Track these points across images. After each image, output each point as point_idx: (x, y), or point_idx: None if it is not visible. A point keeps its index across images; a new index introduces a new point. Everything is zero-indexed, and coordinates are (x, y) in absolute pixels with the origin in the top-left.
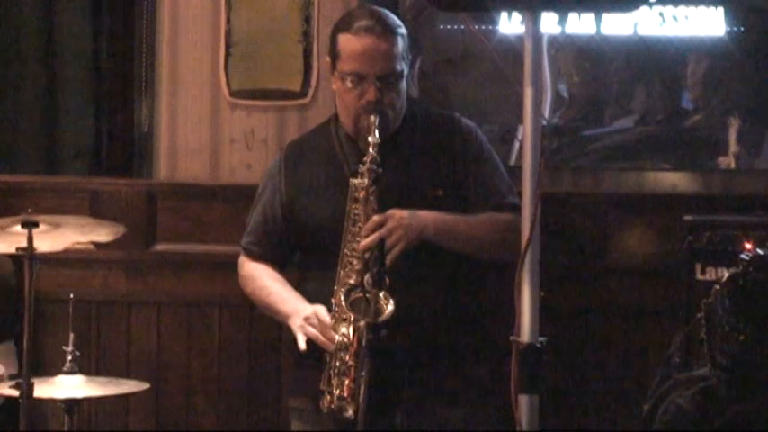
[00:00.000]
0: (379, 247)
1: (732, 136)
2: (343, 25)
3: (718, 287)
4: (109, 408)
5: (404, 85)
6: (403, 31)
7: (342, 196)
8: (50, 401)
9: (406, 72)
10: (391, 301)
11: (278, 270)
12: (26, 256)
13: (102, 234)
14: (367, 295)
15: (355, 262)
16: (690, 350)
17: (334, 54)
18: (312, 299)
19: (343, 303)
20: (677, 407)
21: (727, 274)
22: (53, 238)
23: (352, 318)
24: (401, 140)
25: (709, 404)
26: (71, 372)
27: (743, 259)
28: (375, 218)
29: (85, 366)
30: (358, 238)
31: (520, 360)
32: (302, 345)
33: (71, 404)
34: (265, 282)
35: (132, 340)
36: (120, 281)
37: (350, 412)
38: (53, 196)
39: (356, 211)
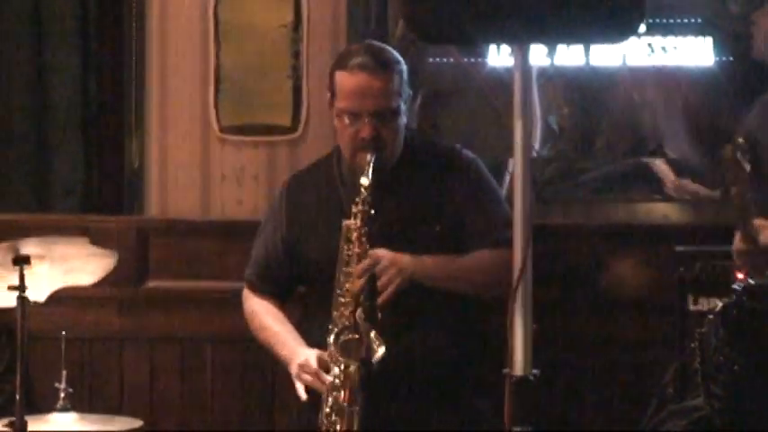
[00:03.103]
0: (371, 282)
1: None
2: (339, 62)
3: (711, 317)
4: None
5: (402, 120)
6: (401, 67)
7: (340, 233)
8: None
9: (403, 108)
10: (382, 344)
11: (279, 305)
12: (18, 295)
13: (91, 270)
14: (357, 336)
15: (348, 302)
16: (684, 381)
17: (332, 91)
18: (312, 336)
19: (332, 347)
20: None
21: (720, 305)
22: (38, 279)
23: (343, 364)
24: (400, 174)
25: None
26: (64, 409)
27: (735, 289)
28: (367, 260)
29: (78, 404)
30: (350, 279)
31: (513, 393)
32: (303, 395)
33: None
34: (267, 322)
35: (125, 377)
36: (112, 318)
37: None
38: (44, 234)
39: (349, 252)
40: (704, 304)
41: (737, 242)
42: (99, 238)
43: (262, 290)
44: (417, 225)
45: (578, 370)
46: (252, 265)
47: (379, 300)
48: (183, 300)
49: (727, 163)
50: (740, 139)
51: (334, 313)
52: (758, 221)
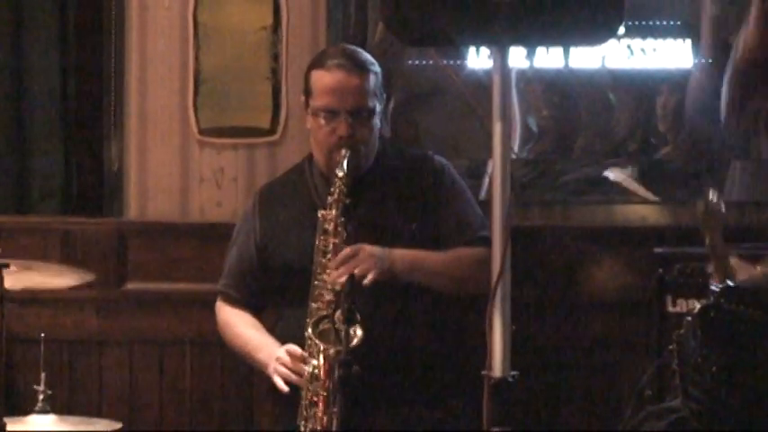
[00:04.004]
0: (350, 283)
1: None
2: (316, 62)
3: (689, 318)
4: None
5: (376, 121)
6: (376, 68)
7: (315, 234)
8: None
9: (378, 109)
10: (359, 329)
11: (255, 314)
12: None
13: (71, 279)
14: (335, 326)
15: (325, 294)
16: (662, 382)
17: (308, 91)
18: (287, 336)
19: (311, 334)
20: None
21: (698, 306)
22: (22, 279)
23: (321, 348)
24: (374, 179)
25: None
26: (43, 411)
27: (713, 291)
28: (346, 250)
29: (57, 406)
30: (328, 270)
31: (491, 394)
32: (284, 387)
33: None
34: (241, 330)
35: (104, 379)
36: (91, 320)
37: None
38: (23, 236)
39: (325, 242)
40: (683, 306)
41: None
42: (78, 241)
43: (236, 300)
44: (393, 225)
45: (556, 371)
46: (225, 275)
47: (363, 284)
48: (162, 302)
49: (702, 216)
50: (710, 194)
51: (312, 304)
52: (734, 261)
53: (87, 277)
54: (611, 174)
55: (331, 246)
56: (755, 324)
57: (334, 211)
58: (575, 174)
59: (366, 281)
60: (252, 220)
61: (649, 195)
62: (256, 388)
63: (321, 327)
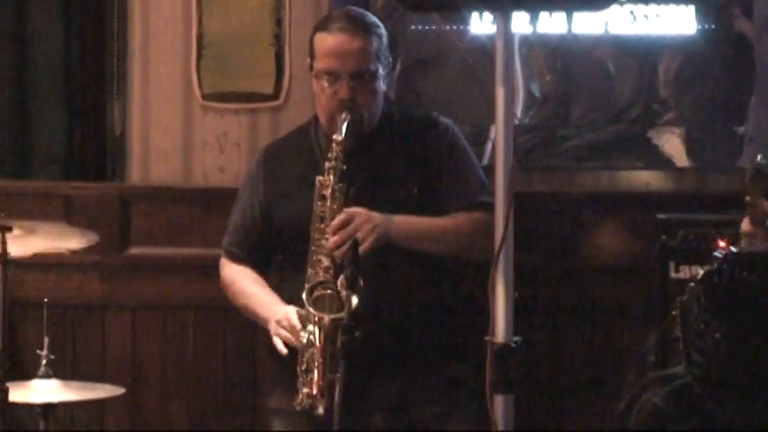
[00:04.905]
0: (353, 249)
1: None
2: (320, 25)
3: (693, 285)
4: (84, 412)
5: (380, 84)
6: (381, 31)
7: None
8: (26, 406)
9: (382, 72)
10: (354, 297)
11: (258, 273)
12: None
13: (75, 241)
14: (329, 291)
15: (323, 259)
16: (665, 348)
17: (312, 53)
18: (288, 300)
19: (305, 301)
20: (652, 405)
21: (701, 272)
22: (26, 243)
23: (317, 316)
24: (377, 141)
25: (684, 402)
26: (46, 376)
27: (716, 257)
28: (342, 215)
29: (60, 371)
30: (326, 236)
31: (494, 360)
32: (283, 349)
33: (46, 409)
34: (245, 286)
35: (107, 344)
36: (94, 285)
37: (321, 410)
38: (26, 201)
39: (323, 208)
40: (686, 272)
41: (745, 224)
42: (81, 206)
43: (239, 258)
44: (394, 188)
45: (559, 337)
46: (229, 233)
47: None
48: (164, 267)
49: (750, 177)
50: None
51: (309, 270)
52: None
53: (92, 239)
54: (656, 136)
55: (328, 212)
56: (759, 290)
57: (331, 177)
58: (578, 139)
59: (363, 247)
60: (256, 179)
61: (685, 162)
62: (259, 353)
63: (316, 293)
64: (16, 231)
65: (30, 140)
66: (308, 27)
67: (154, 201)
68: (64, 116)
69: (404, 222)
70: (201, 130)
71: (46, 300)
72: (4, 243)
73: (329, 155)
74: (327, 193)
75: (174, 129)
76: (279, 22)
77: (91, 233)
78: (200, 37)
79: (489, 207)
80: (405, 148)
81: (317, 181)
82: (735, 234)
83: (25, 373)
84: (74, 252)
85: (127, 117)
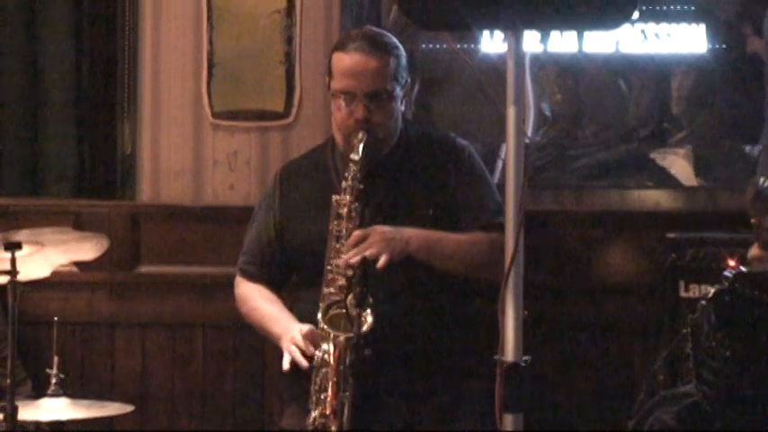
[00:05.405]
0: (363, 267)
1: None
2: (338, 45)
3: (704, 303)
4: (94, 430)
5: (397, 105)
6: (399, 52)
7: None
8: (35, 424)
9: (399, 93)
10: (370, 315)
11: (273, 291)
12: (10, 280)
13: (86, 249)
14: (344, 311)
15: (339, 278)
16: (675, 367)
17: (329, 73)
18: (303, 319)
19: (321, 320)
20: (662, 423)
21: (712, 291)
22: (36, 260)
23: (331, 335)
24: (394, 161)
25: (695, 420)
26: (55, 395)
27: (726, 276)
28: (357, 232)
29: (70, 389)
30: (341, 255)
31: (504, 379)
32: (285, 365)
33: (56, 427)
34: (258, 303)
35: (116, 362)
36: (103, 303)
37: (333, 430)
38: (36, 218)
39: (339, 227)
40: (695, 291)
41: (754, 250)
42: (91, 224)
43: (254, 276)
44: (411, 209)
45: (569, 356)
46: (245, 252)
47: (377, 265)
48: (174, 285)
49: (751, 199)
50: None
51: (324, 289)
52: None
53: (103, 243)
54: (660, 157)
55: (344, 231)
56: None
57: (347, 197)
58: (588, 158)
59: (379, 263)
60: (272, 198)
61: (693, 181)
62: (268, 371)
63: (331, 312)
64: (26, 249)
65: (41, 158)
66: (318, 44)
67: (164, 219)
68: (75, 134)
69: (420, 236)
70: (212, 148)
71: (56, 318)
72: (14, 261)
73: (346, 174)
74: (343, 212)
75: (185, 147)
76: (289, 41)
77: (101, 236)
78: (210, 55)
79: (504, 228)
80: (422, 169)
81: (333, 200)
82: (743, 257)
83: (35, 392)
84: (83, 269)
85: (137, 135)
